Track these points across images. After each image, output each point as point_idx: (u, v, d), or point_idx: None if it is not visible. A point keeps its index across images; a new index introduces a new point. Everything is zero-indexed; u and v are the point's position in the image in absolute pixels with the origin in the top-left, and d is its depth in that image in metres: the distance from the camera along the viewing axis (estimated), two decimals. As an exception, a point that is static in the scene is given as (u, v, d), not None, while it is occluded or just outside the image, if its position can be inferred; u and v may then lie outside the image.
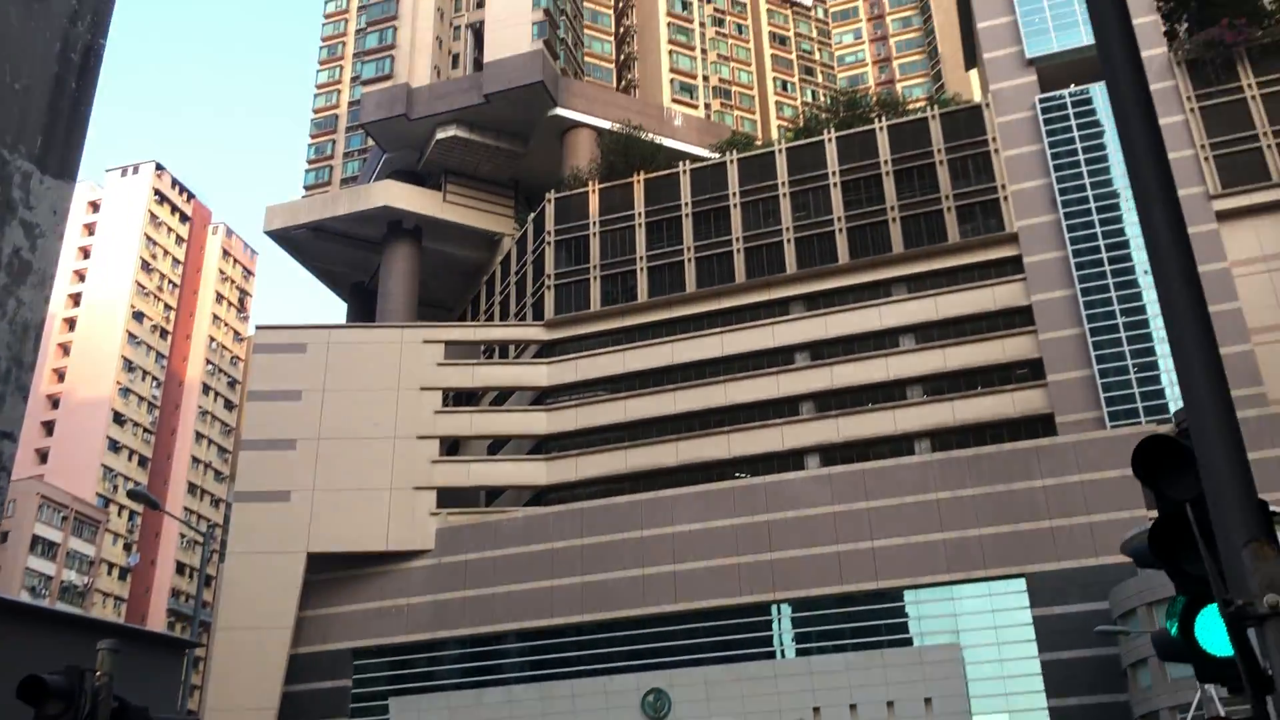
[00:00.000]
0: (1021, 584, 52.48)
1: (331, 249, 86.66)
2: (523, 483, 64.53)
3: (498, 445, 69.18)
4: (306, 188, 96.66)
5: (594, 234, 68.10)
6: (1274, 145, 57.60)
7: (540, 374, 66.32)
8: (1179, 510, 6.14)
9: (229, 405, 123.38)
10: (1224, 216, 56.38)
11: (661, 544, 57.40)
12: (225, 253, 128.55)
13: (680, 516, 57.76)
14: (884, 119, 66.79)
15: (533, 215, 73.83)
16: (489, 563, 59.86)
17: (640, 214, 67.57)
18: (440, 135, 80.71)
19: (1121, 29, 5.46)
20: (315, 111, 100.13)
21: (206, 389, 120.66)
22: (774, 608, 56.21)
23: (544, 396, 66.43)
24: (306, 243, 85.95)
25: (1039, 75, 63.33)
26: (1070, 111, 60.95)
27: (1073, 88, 61.54)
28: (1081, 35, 62.59)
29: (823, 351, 61.89)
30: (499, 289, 78.25)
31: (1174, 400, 52.90)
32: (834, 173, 64.67)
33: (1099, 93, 60.52)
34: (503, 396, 70.68)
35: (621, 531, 58.30)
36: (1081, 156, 59.79)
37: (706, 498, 58.01)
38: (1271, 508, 5.36)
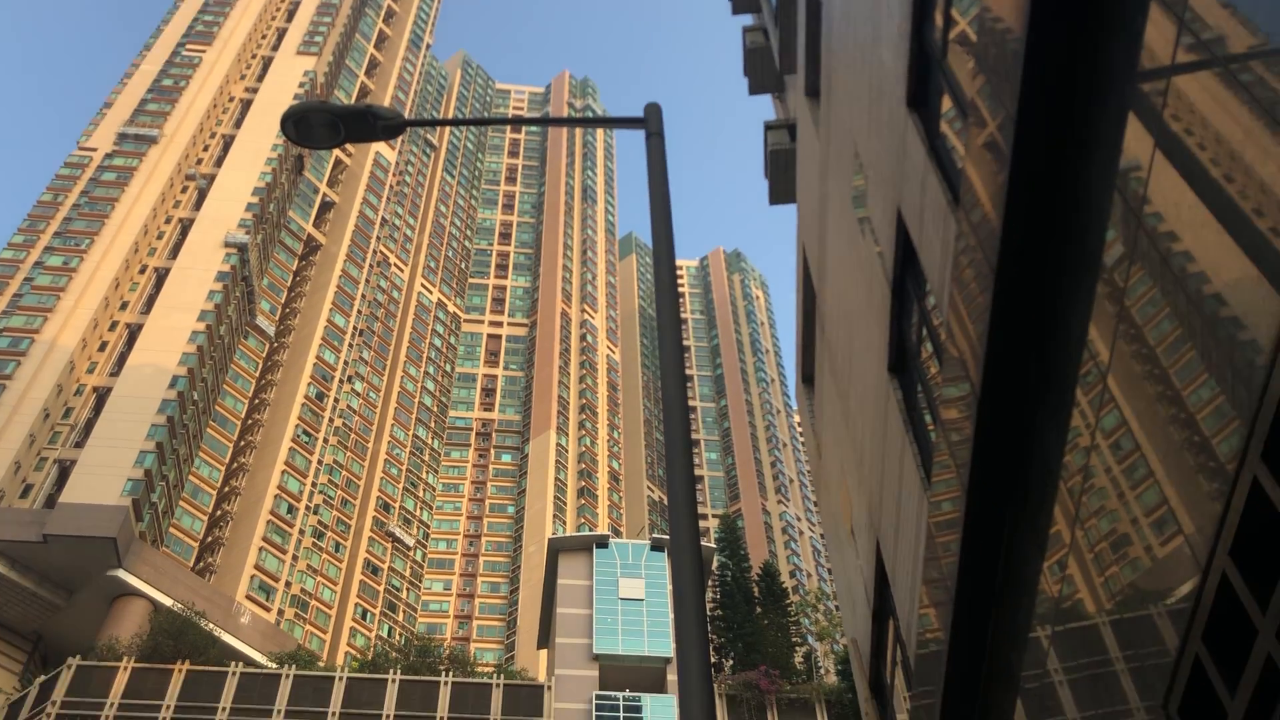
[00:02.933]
0: None
1: None
2: None
3: None
4: None
5: (108, 717, 60.06)
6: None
7: None
8: None
9: None
10: None
11: None
12: None
13: None
14: (450, 674, 66.74)
15: (42, 679, 64.56)
16: None
17: (170, 706, 60.90)
18: (-27, 562, 71.73)
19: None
20: None
21: None
22: None
23: None
24: None
25: (601, 672, 66.75)
26: (621, 714, 63.84)
27: (627, 692, 65.09)
28: (644, 646, 67.69)
29: None
30: (-36, 755, 65.52)
31: None
32: (388, 716, 62.46)
33: (649, 702, 64.33)
34: None
35: None
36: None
37: None
38: None
